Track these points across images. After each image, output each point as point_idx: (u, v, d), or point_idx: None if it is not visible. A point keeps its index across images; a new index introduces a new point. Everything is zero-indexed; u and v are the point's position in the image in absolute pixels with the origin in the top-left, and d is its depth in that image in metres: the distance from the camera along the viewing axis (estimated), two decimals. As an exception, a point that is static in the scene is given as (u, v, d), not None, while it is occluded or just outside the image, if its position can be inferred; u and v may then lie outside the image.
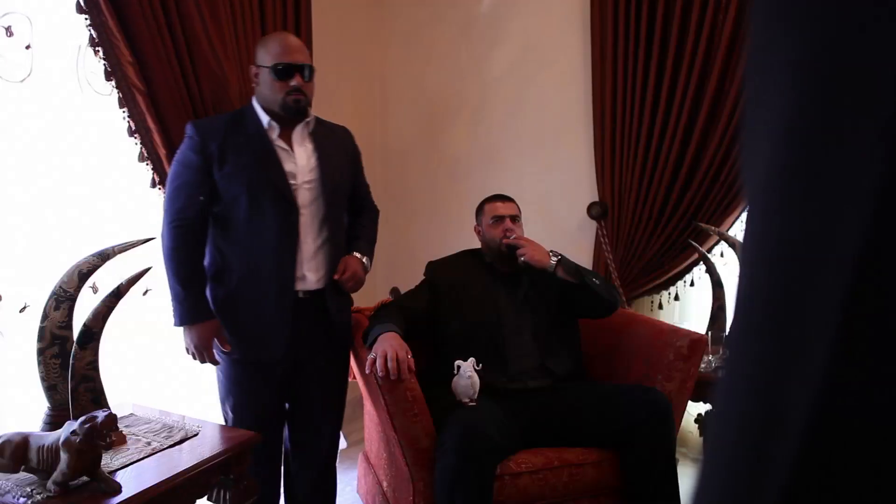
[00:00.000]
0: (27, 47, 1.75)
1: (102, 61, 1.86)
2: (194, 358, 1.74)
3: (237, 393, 1.80)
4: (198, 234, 1.73)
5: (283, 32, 1.95)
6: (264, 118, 1.73)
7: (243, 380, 1.79)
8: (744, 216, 2.25)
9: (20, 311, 1.77)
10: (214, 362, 1.76)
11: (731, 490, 0.23)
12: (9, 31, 1.71)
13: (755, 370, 0.23)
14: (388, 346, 1.72)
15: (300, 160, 1.75)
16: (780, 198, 0.24)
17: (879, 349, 0.19)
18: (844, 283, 0.20)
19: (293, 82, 1.70)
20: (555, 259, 1.98)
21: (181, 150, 1.72)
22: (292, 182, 1.73)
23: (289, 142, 1.75)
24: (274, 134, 1.74)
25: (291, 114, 1.73)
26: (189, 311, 1.68)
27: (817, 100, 0.22)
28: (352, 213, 1.98)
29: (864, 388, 0.19)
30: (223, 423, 1.83)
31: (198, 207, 1.69)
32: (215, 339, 1.73)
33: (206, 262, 1.76)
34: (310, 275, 1.77)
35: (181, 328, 1.71)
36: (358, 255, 1.88)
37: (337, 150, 1.87)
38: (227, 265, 1.75)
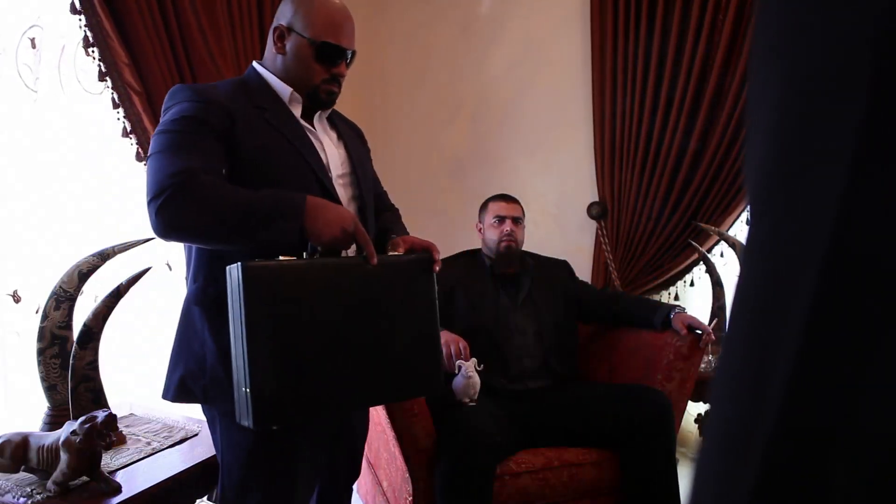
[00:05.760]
0: (33, 46, 1.75)
1: (98, 62, 1.85)
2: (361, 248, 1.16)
3: None
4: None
5: None
6: (284, 89, 1.29)
7: None
8: (744, 216, 2.24)
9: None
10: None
11: (736, 421, 0.29)
12: (33, 43, 1.71)
13: (749, 340, 0.29)
14: (449, 338, 1.85)
15: (329, 149, 1.33)
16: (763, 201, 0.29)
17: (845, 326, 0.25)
18: (816, 273, 0.25)
19: (335, 70, 1.29)
20: None
21: (173, 113, 1.17)
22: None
23: (311, 125, 1.34)
24: (297, 111, 1.31)
25: (318, 105, 1.34)
26: (285, 199, 1.12)
27: (795, 113, 0.27)
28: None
29: (831, 359, 0.25)
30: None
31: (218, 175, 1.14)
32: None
33: (204, 286, 1.21)
34: None
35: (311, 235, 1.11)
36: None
37: (360, 142, 1.51)
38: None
